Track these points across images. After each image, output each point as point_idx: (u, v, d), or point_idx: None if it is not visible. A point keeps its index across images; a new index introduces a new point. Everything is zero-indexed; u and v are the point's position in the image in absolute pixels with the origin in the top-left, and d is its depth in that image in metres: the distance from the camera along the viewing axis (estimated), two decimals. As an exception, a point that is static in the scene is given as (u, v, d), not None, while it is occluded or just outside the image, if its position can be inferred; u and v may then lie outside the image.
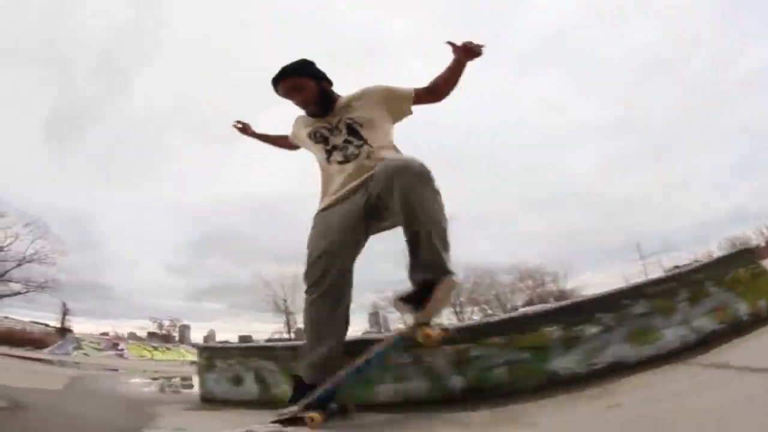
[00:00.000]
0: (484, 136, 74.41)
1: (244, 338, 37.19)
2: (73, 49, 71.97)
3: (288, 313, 40.47)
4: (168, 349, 24.27)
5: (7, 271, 32.28)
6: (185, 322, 43.53)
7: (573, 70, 76.28)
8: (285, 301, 40.41)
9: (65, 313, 36.34)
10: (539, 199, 60.96)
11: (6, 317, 31.23)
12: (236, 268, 61.72)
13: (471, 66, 2.17)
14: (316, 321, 2.05)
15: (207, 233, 68.94)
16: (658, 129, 63.28)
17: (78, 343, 20.90)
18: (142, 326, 38.85)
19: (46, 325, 33.86)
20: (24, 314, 32.59)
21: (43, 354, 16.78)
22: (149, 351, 22.60)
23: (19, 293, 32.21)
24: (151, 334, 40.73)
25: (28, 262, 32.42)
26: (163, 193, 72.62)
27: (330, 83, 2.36)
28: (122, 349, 21.69)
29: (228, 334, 42.73)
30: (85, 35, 70.32)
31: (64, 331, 33.83)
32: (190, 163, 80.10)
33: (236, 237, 67.60)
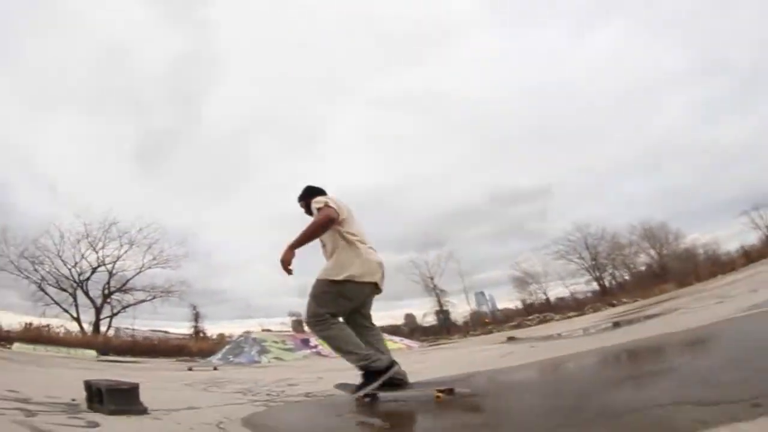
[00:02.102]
0: (565, 103, 66.82)
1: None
2: (140, 85, 72.19)
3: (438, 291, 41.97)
4: None
5: (128, 280, 34.85)
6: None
7: (634, 18, 71.67)
8: (432, 278, 41.86)
9: (197, 317, 37.26)
10: (639, 159, 56.30)
11: (153, 330, 33.39)
12: None
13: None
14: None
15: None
16: (747, 65, 57.90)
17: (260, 345, 19.14)
18: (282, 322, 36.98)
19: (166, 332, 34.67)
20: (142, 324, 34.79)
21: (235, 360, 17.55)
22: None
23: (144, 301, 34.56)
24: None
25: (148, 268, 35.01)
26: (260, 199, 72.00)
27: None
28: (316, 345, 19.76)
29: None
30: (146, 70, 69.62)
31: (197, 335, 35.78)
32: (279, 167, 77.42)
33: None
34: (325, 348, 20.28)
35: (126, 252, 34.48)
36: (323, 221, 3.10)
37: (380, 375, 2.84)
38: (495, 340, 14.79)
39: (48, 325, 28.89)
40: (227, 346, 20.66)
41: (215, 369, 11.99)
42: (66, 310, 33.13)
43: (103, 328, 33.07)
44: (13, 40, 62.72)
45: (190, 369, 11.49)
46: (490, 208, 61.55)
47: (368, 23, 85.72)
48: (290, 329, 30.04)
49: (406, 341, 24.55)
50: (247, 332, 21.02)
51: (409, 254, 46.89)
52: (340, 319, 3.13)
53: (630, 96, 61.68)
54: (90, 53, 70.27)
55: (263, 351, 18.06)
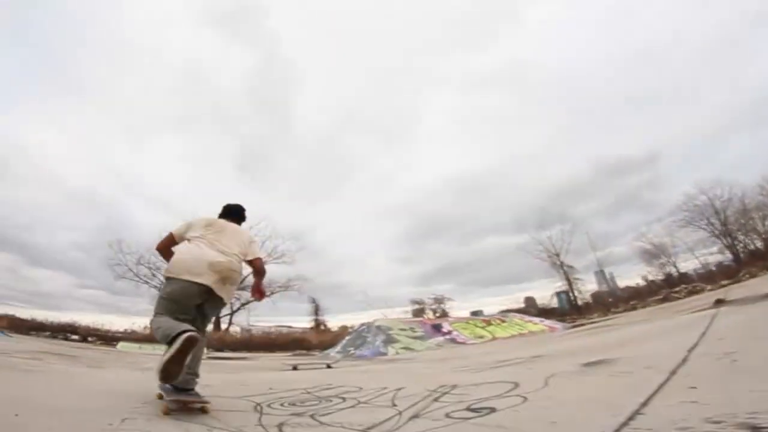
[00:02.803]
0: (652, 66, 65.79)
1: (475, 313, 34.58)
2: (226, 101, 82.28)
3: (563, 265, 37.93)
4: (502, 320, 19.79)
5: (245, 278, 32.10)
6: (448, 297, 40.39)
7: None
8: (558, 255, 38.01)
9: (317, 309, 37.55)
10: (742, 115, 50.80)
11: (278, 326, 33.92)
12: (455, 246, 66.72)
13: None
14: None
15: (419, 222, 79.08)
16: None
17: (386, 334, 15.73)
18: (404, 311, 36.75)
19: (289, 327, 34.95)
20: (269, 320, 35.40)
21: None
22: (478, 326, 18.34)
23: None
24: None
25: (266, 262, 32.62)
26: (367, 193, 78.68)
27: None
28: (449, 331, 17.19)
29: (459, 312, 38.99)
30: (227, 87, 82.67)
31: (317, 327, 35.56)
32: (378, 161, 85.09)
33: (447, 218, 72.02)
34: (461, 333, 16.62)
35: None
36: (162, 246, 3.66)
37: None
38: (693, 307, 10.47)
39: None
40: (347, 337, 17.57)
41: (328, 366, 8.59)
42: None
43: (224, 326, 34.02)
44: (108, 78, 72.38)
45: (294, 368, 8.21)
46: (597, 181, 58.90)
47: (432, 10, 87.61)
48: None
49: (548, 322, 20.50)
50: (370, 321, 17.73)
51: (523, 236, 46.57)
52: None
53: (718, 52, 58.68)
54: (174, 80, 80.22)
55: (389, 341, 14.57)
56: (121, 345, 21.13)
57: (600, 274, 41.64)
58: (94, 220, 59.41)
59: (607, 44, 74.17)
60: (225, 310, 32.41)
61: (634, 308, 24.73)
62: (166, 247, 3.54)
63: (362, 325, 17.88)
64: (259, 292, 3.88)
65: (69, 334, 24.55)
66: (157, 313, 3.11)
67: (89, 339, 24.11)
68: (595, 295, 37.86)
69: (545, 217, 45.44)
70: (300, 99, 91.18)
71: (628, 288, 37.82)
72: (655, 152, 56.15)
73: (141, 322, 31.00)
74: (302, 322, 37.27)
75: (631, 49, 66.99)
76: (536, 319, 21.25)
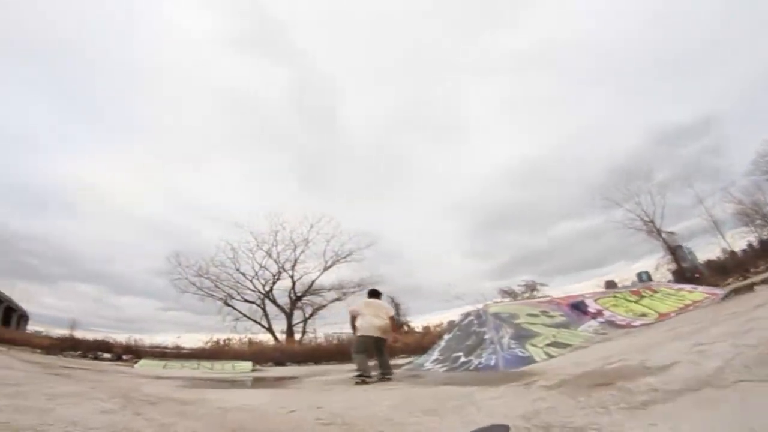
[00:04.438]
0: (690, 26, 62.02)
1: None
2: (272, 119, 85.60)
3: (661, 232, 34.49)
4: (654, 291, 14.17)
5: (313, 281, 34.84)
6: (539, 281, 37.14)
7: None
8: (651, 222, 34.40)
9: (397, 309, 34.09)
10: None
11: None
12: (527, 236, 65.89)
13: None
14: None
15: (486, 215, 77.26)
16: None
17: (512, 325, 9.83)
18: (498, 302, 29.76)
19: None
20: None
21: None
22: (630, 301, 12.69)
23: (337, 300, 34.32)
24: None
25: (332, 264, 34.71)
26: (427, 194, 78.56)
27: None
28: (600, 310, 11.42)
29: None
30: (270, 105, 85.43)
31: (400, 329, 31.45)
32: (432, 158, 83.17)
33: (512, 209, 72.06)
34: (616, 313, 11.06)
35: (302, 252, 34.92)
36: (351, 318, 8.10)
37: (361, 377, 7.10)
38: None
39: (229, 339, 28.34)
40: (446, 337, 11.50)
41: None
42: (258, 322, 33.59)
43: (298, 335, 33.09)
44: (157, 112, 76.89)
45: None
46: (657, 153, 51.29)
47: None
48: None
49: (702, 288, 15.07)
50: (477, 309, 11.69)
51: (595, 218, 44.17)
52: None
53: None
54: (221, 106, 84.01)
55: (523, 335, 8.69)
56: (141, 363, 18.59)
57: (679, 249, 36.66)
58: (169, 247, 61.16)
59: (634, 5, 67.92)
60: (297, 317, 34.25)
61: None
62: (353, 319, 7.91)
63: (466, 316, 11.71)
64: (393, 330, 8.32)
65: (100, 353, 22.35)
66: (356, 351, 7.50)
67: (124, 357, 21.57)
68: (677, 273, 33.42)
69: (609, 201, 38.58)
70: (344, 107, 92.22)
71: (709, 262, 34.58)
72: (709, 115, 53.55)
73: (199, 338, 29.19)
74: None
75: (664, 10, 62.49)
76: (687, 286, 15.66)
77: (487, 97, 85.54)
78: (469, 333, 10.06)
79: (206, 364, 19.15)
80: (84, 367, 13.30)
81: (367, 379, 7.05)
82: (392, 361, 14.58)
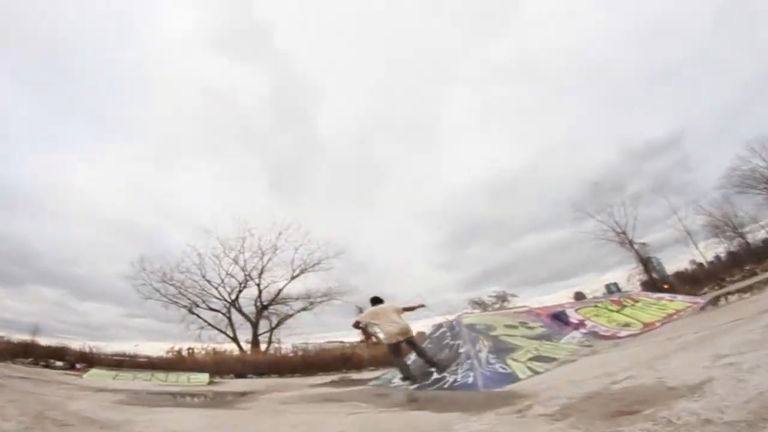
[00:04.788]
0: (665, 41, 63.88)
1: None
2: (249, 122, 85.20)
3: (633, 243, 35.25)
4: (635, 300, 13.68)
5: (280, 290, 33.60)
6: (512, 293, 38.14)
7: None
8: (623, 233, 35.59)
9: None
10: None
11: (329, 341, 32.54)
12: (497, 247, 67.48)
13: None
14: None
15: (456, 226, 77.06)
16: None
17: (489, 337, 9.04)
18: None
19: (341, 342, 32.31)
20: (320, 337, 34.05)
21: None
22: (612, 310, 12.07)
23: (304, 309, 33.38)
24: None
25: (300, 272, 33.56)
26: (399, 200, 79.18)
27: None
28: (582, 320, 10.77)
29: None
30: (248, 108, 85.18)
31: (368, 340, 29.23)
32: (406, 165, 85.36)
33: (484, 220, 72.54)
34: (598, 323, 10.37)
35: (270, 260, 33.76)
36: (354, 327, 8.74)
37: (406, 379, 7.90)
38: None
39: (192, 349, 26.72)
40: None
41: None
42: (223, 331, 32.30)
43: (264, 345, 31.88)
44: (131, 112, 74.64)
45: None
46: (627, 166, 55.57)
47: (434, 7, 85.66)
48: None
49: (683, 297, 14.52)
50: (451, 320, 10.86)
51: (564, 230, 45.57)
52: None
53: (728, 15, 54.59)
54: (195, 107, 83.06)
55: (502, 348, 7.88)
56: (90, 373, 17.33)
57: (650, 260, 36.84)
58: (136, 250, 60.03)
59: (615, 22, 70.72)
60: (264, 327, 33.06)
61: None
62: (363, 329, 11.13)
63: (438, 327, 10.82)
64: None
65: (53, 361, 20.97)
66: (392, 357, 8.29)
67: (77, 366, 19.96)
68: (646, 284, 33.76)
69: (579, 213, 39.33)
70: (321, 112, 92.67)
71: (678, 273, 35.70)
72: (680, 131, 55.22)
73: (160, 346, 27.69)
74: (353, 336, 33.21)
75: (640, 23, 65.63)
76: (666, 295, 15.08)
77: (466, 107, 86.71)
78: (441, 346, 9.16)
79: (160, 375, 18.04)
80: (26, 375, 12.43)
81: (412, 380, 7.70)
82: (358, 375, 13.95)
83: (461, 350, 8.02)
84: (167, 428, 4.25)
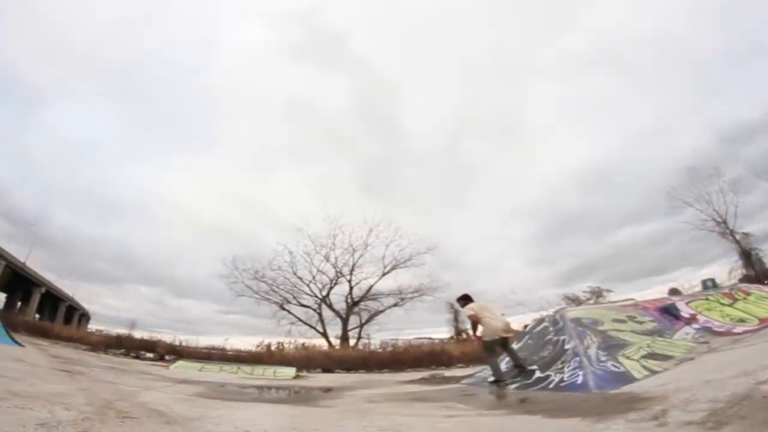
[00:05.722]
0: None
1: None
2: (336, 126, 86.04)
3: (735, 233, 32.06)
4: (746, 293, 11.78)
5: (371, 286, 33.83)
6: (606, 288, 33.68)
7: None
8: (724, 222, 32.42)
9: (456, 316, 32.59)
10: None
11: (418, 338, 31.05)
12: (590, 242, 62.33)
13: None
14: None
15: (547, 221, 75.22)
16: None
17: (597, 332, 8.11)
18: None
19: (429, 339, 31.22)
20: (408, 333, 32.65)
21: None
22: (724, 304, 10.79)
23: (395, 305, 33.27)
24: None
25: (391, 268, 33.55)
26: (489, 200, 76.19)
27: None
28: (694, 315, 9.72)
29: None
30: (334, 113, 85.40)
31: (458, 336, 30.92)
32: (495, 164, 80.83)
33: (576, 214, 68.79)
34: (713, 318, 9.31)
35: (361, 257, 34.02)
36: (473, 323, 7.94)
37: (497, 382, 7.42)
38: None
39: (281, 343, 27.90)
40: (516, 346, 9.73)
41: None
42: (313, 327, 32.98)
43: (354, 340, 32.05)
44: (224, 124, 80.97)
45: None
46: (724, 151, 46.65)
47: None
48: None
49: None
50: (552, 313, 10.07)
51: (659, 222, 41.58)
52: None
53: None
54: (283, 116, 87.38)
55: (615, 345, 7.02)
56: (177, 364, 18.10)
57: (749, 253, 32.65)
58: (230, 251, 63.31)
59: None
60: (354, 323, 33.25)
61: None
62: (475, 323, 7.78)
63: (539, 322, 10.03)
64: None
65: (143, 352, 22.32)
66: (487, 355, 7.99)
67: (166, 358, 21.28)
68: (745, 279, 28.47)
69: (682, 196, 35.04)
70: (405, 113, 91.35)
71: None
72: None
73: (250, 341, 29.32)
74: (442, 333, 33.48)
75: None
76: None
77: (548, 100, 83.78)
78: (543, 342, 8.46)
79: (246, 368, 18.58)
80: (112, 365, 13.09)
81: (501, 383, 7.39)
82: (449, 373, 13.49)
83: (567, 346, 7.33)
84: (239, 428, 3.87)
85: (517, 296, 32.22)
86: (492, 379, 7.65)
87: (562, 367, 6.68)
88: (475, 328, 7.90)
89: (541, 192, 75.36)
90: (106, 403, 4.48)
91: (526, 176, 78.92)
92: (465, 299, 8.39)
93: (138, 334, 27.55)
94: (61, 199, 76.32)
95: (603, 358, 6.43)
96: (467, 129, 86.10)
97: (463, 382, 9.36)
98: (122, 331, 29.64)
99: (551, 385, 6.36)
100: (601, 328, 7.94)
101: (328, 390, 10.11)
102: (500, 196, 76.42)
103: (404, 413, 5.01)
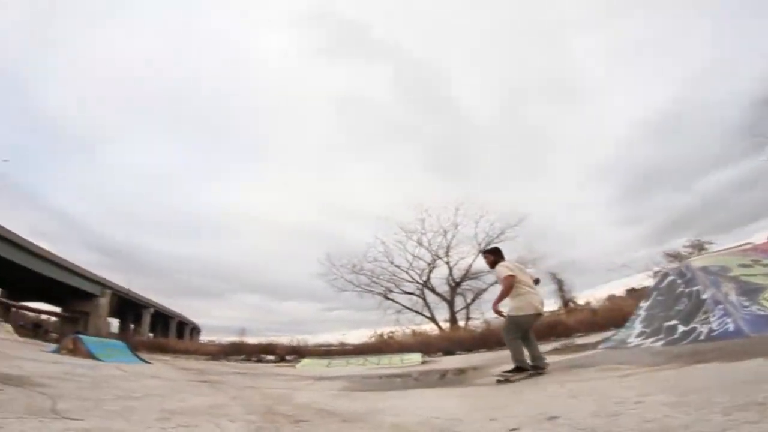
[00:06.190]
0: None
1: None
2: (390, 113, 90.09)
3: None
4: None
5: (470, 265, 33.82)
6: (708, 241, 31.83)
7: None
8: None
9: (561, 285, 32.60)
10: None
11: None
12: (677, 193, 61.95)
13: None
14: None
15: (628, 177, 73.74)
16: None
17: (730, 279, 8.07)
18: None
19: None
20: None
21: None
22: None
23: (497, 282, 30.49)
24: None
25: (488, 244, 32.97)
26: (563, 164, 76.92)
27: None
28: None
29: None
30: (386, 100, 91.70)
31: (566, 306, 30.48)
32: (563, 126, 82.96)
33: (655, 166, 65.94)
34: None
35: (453, 237, 34.70)
36: (508, 288, 5.92)
37: (521, 371, 5.66)
38: None
39: (392, 332, 29.26)
40: (644, 304, 10.03)
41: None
42: (419, 312, 34.16)
43: (462, 322, 32.48)
44: (285, 133, 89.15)
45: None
46: None
47: None
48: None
49: None
50: (679, 266, 10.23)
51: (745, 163, 39.61)
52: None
53: None
54: (339, 112, 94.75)
55: (750, 291, 7.18)
56: (303, 363, 19.23)
57: None
58: (319, 251, 65.41)
59: None
60: (459, 304, 34.03)
61: None
62: (509, 288, 5.93)
63: (663, 276, 10.21)
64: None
65: (264, 355, 24.06)
66: (514, 336, 5.88)
67: (287, 358, 22.90)
68: None
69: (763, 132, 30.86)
70: (456, 89, 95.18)
71: None
72: None
73: (362, 334, 30.82)
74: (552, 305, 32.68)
75: None
76: None
77: (596, 51, 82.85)
78: (674, 296, 8.74)
79: (373, 359, 19.26)
80: (240, 371, 13.44)
81: (526, 371, 5.69)
82: (580, 341, 13.42)
83: (704, 296, 7.59)
84: (422, 415, 3.56)
85: (618, 260, 31.29)
86: (512, 367, 5.76)
87: (706, 317, 7.01)
88: (505, 295, 5.95)
89: (613, 149, 77.12)
90: (267, 409, 4.35)
91: (594, 134, 78.82)
92: (495, 254, 6.80)
93: (249, 340, 29.99)
94: (148, 227, 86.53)
95: (746, 303, 6.74)
96: (521, 95, 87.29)
97: (601, 347, 9.57)
98: (233, 339, 32.41)
99: (702, 337, 6.66)
100: (731, 274, 8.11)
101: (466, 370, 10.17)
102: (574, 160, 76.73)
103: (576, 379, 4.95)
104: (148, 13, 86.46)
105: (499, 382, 5.55)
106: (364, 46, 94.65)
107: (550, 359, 9.00)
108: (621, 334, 9.73)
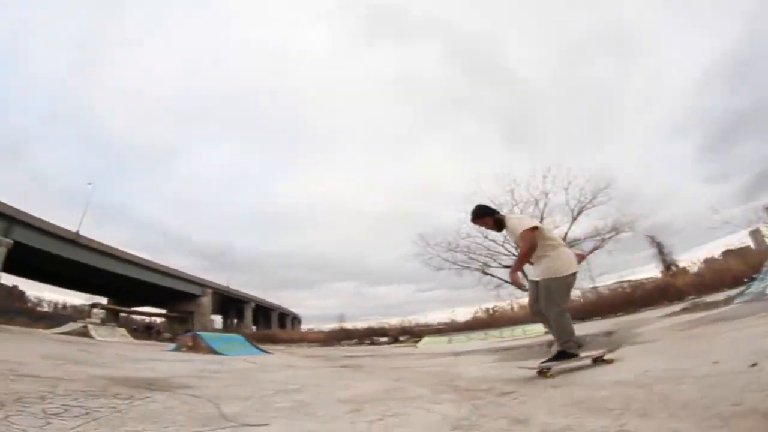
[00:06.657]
0: None
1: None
2: (451, 89, 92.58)
3: None
4: None
5: (566, 234, 30.97)
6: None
7: None
8: None
9: (660, 248, 32.50)
10: None
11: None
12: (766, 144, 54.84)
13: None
14: None
15: (709, 130, 70.58)
16: None
17: None
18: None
19: (629, 281, 29.29)
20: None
21: None
22: None
23: (595, 249, 30.31)
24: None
25: (578, 213, 31.65)
26: (639, 122, 73.25)
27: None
28: None
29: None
30: (443, 75, 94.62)
31: (668, 270, 29.52)
32: (626, 81, 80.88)
33: (736, 113, 62.12)
34: None
35: (545, 206, 32.82)
36: (530, 247, 4.39)
37: (571, 357, 4.15)
38: None
39: (494, 307, 29.62)
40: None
41: None
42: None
43: None
44: (345, 118, 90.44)
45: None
46: None
47: None
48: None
49: None
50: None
51: None
52: None
53: None
54: (392, 96, 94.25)
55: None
56: (425, 341, 19.97)
57: None
58: (409, 233, 66.99)
59: None
60: None
61: None
62: (533, 247, 4.41)
63: None
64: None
65: (376, 337, 25.28)
66: (565, 309, 4.34)
67: (400, 339, 24.02)
68: None
69: None
70: (511, 58, 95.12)
71: None
72: None
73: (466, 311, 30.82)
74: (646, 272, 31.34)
75: None
76: None
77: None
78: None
79: (494, 332, 19.63)
80: (368, 353, 13.54)
81: (581, 347, 4.48)
82: (709, 298, 13.04)
83: None
84: (633, 372, 3.31)
85: (714, 218, 29.75)
86: (559, 349, 4.21)
87: None
88: (530, 254, 4.39)
89: (687, 100, 71.14)
90: (451, 387, 3.96)
91: (664, 87, 73.69)
92: (488, 212, 5.11)
93: (347, 326, 31.41)
94: (236, 227, 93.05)
95: None
96: (577, 55, 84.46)
97: (737, 301, 9.88)
98: (331, 325, 34.27)
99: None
100: None
101: (612, 332, 9.68)
102: (643, 118, 72.79)
103: (734, 328, 5.04)
104: (183, 34, 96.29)
105: (542, 374, 3.90)
106: (402, 25, 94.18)
107: (683, 318, 9.32)
108: (754, 287, 10.19)
